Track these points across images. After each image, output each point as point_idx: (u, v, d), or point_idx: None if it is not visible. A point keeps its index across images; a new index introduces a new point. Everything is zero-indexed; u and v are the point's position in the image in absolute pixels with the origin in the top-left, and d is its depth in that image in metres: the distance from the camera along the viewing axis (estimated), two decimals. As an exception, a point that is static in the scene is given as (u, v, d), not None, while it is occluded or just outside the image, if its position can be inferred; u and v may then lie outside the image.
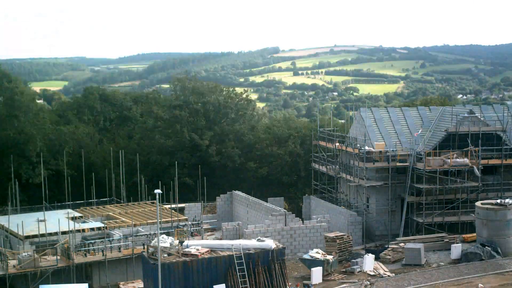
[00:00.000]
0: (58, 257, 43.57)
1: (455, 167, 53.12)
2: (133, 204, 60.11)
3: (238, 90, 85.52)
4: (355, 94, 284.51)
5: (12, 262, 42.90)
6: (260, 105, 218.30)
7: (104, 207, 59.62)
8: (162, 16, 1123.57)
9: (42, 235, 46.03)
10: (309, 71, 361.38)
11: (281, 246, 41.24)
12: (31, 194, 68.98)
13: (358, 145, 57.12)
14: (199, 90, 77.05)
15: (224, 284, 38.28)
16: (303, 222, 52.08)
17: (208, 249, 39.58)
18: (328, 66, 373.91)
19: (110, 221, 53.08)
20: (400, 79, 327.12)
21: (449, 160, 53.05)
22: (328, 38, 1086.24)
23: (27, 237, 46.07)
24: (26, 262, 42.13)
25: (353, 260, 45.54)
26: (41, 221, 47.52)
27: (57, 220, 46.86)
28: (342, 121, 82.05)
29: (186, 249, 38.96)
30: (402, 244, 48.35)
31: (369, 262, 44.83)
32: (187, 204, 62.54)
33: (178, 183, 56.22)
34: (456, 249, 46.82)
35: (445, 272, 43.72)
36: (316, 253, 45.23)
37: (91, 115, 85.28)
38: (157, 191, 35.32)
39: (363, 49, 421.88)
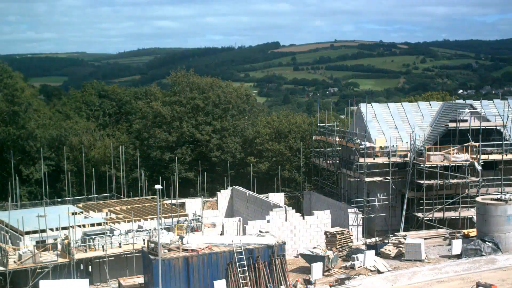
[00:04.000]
0: (58, 253, 43.59)
1: (455, 163, 53.08)
2: (133, 200, 60.12)
3: (235, 84, 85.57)
4: (355, 89, 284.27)
5: (13, 258, 42.91)
6: (260, 100, 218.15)
7: (104, 202, 59.59)
8: (163, 12, 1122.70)
9: (43, 231, 46.01)
10: (309, 66, 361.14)
11: (281, 241, 41.28)
12: (31, 190, 69.07)
13: (358, 140, 57.07)
14: (198, 85, 77.04)
15: (224, 280, 38.34)
16: (303, 218, 52.10)
17: (208, 244, 39.63)
18: (328, 61, 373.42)
19: (111, 216, 53.09)
20: (400, 74, 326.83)
21: (449, 156, 53.03)
22: (328, 33, 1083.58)
23: (27, 232, 46.03)
24: (26, 257, 42.13)
25: (353, 256, 45.56)
26: (41, 216, 47.50)
27: (58, 216, 46.78)
28: (343, 116, 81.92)
29: (187, 245, 39.00)
30: (402, 240, 48.38)
31: (369, 258, 44.85)
32: (188, 199, 62.55)
33: (179, 178, 56.25)
34: (456, 245, 46.85)
35: (445, 267, 43.76)
36: (317, 249, 45.31)
37: (90, 111, 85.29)
38: (158, 186, 35.32)
39: (364, 44, 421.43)
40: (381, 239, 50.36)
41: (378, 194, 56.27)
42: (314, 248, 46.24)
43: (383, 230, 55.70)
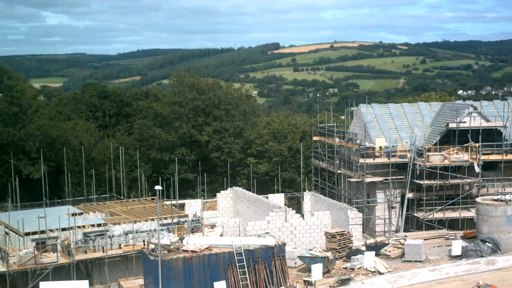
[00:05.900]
0: (59, 254, 43.57)
1: (455, 163, 53.08)
2: (133, 201, 60.09)
3: (236, 85, 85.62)
4: (355, 90, 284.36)
5: (13, 259, 42.90)
6: (260, 101, 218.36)
7: (104, 203, 59.56)
8: (162, 12, 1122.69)
9: (42, 232, 45.98)
10: (309, 67, 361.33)
11: (281, 242, 41.25)
12: (31, 191, 69.01)
13: (358, 141, 57.07)
14: (198, 86, 77.05)
15: (224, 281, 38.30)
16: (303, 218, 52.08)
17: (208, 245, 39.60)
18: (328, 62, 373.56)
19: (111, 217, 53.06)
20: (400, 75, 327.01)
21: (449, 156, 53.03)
22: (328, 34, 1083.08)
23: (27, 233, 46.01)
24: (26, 259, 42.11)
25: (353, 257, 45.54)
26: (41, 217, 47.46)
27: (57, 217, 46.78)
28: (343, 117, 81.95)
29: (187, 246, 38.98)
30: (402, 240, 48.35)
31: (369, 259, 44.81)
32: (188, 200, 62.53)
33: (178, 179, 56.20)
34: (456, 245, 46.81)
35: (445, 268, 43.73)
36: (315, 251, 45.29)
37: (90, 112, 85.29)
38: (158, 187, 35.30)
39: (363, 45, 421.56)
40: (381, 240, 50.34)
41: (378, 195, 56.25)
42: (310, 250, 46.27)
43: (383, 230, 55.71)
